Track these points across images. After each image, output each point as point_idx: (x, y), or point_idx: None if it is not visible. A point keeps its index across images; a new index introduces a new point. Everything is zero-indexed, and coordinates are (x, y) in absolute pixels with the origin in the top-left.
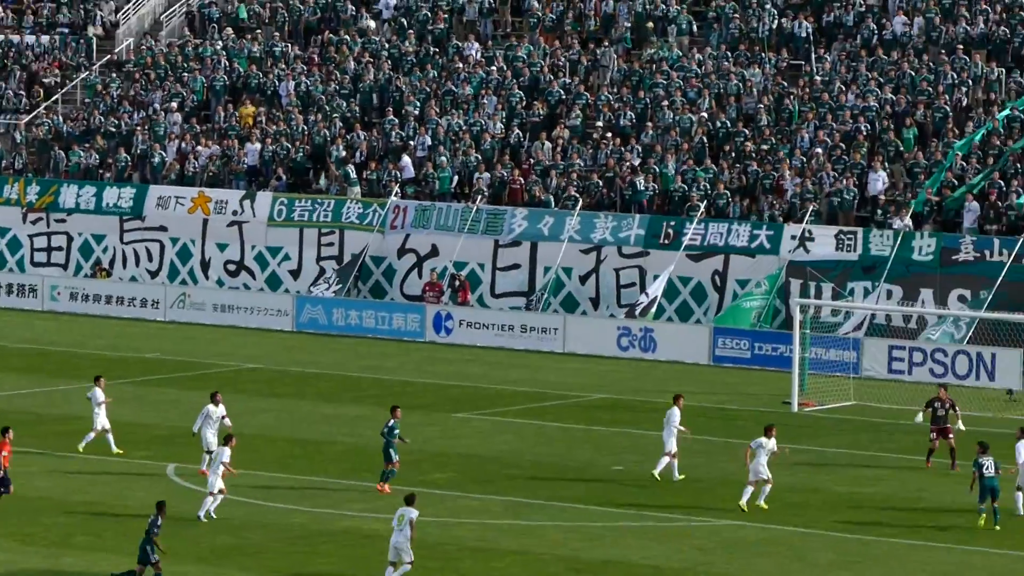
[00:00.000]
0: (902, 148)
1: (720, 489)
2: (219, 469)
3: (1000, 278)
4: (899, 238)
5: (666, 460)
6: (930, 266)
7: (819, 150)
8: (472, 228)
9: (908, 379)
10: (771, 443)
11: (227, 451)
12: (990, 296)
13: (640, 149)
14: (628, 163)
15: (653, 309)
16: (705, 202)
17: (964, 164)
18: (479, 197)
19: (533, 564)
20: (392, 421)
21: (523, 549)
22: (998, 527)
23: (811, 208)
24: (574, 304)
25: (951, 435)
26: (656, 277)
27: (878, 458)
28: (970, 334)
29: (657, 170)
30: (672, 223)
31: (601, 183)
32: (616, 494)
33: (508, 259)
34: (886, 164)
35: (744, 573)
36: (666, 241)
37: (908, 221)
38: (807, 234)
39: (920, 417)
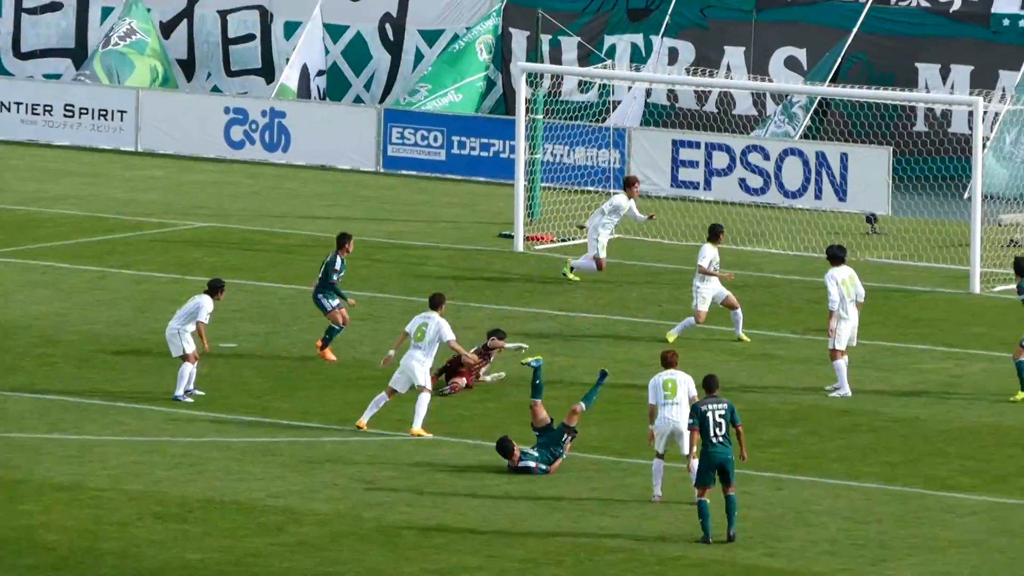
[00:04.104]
0: None
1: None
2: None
3: (855, 30)
4: None
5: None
6: (740, 9)
7: None
8: None
9: (705, 197)
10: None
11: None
12: (839, 59)
13: None
14: None
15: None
16: None
17: None
18: None
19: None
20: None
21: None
22: None
23: None
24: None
25: None
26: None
27: (659, 327)
28: (806, 122)
29: None
30: None
31: None
32: None
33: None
34: None
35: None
36: None
37: None
38: None
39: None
